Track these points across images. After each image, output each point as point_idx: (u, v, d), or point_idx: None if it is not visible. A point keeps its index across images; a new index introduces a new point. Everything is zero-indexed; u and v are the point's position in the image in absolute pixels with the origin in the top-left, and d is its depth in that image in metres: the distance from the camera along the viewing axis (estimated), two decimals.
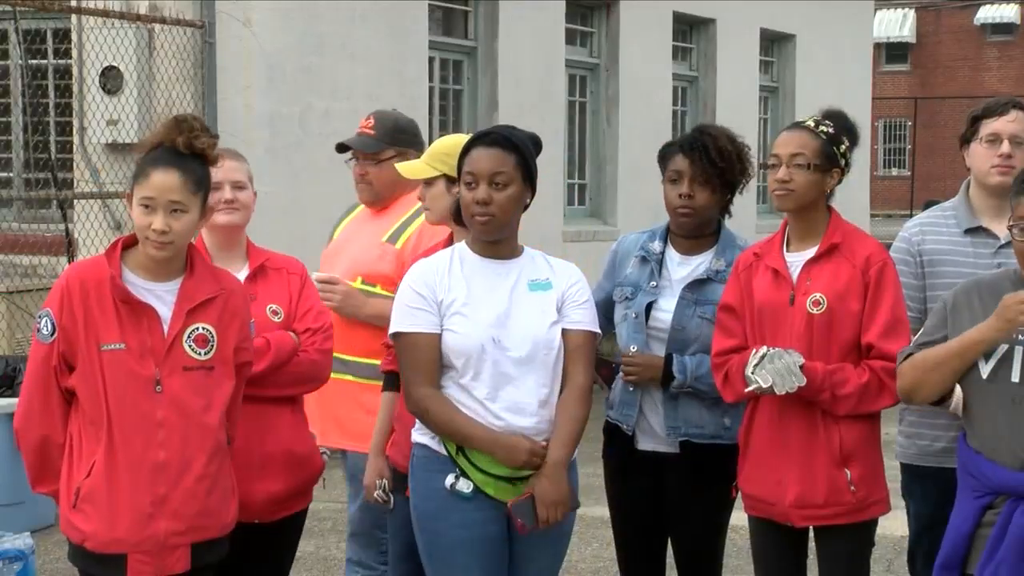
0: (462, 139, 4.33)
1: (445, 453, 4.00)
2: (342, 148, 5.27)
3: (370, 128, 5.19)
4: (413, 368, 4.02)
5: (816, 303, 4.24)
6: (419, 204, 4.89)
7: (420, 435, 4.09)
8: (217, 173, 4.38)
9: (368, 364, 4.90)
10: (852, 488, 4.23)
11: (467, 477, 3.97)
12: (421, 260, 4.21)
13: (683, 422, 4.54)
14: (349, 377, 4.99)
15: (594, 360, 4.15)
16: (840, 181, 4.38)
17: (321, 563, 7.14)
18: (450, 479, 3.98)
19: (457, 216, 4.24)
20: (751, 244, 4.66)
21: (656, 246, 4.64)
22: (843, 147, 4.34)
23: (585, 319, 4.11)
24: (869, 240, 4.36)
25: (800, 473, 4.26)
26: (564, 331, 4.06)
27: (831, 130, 4.33)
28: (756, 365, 4.19)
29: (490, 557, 4.00)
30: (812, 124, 4.36)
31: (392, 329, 4.07)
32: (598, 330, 4.17)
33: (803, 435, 4.26)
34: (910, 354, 4.00)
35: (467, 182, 4.03)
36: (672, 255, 4.64)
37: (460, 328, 3.99)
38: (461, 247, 4.14)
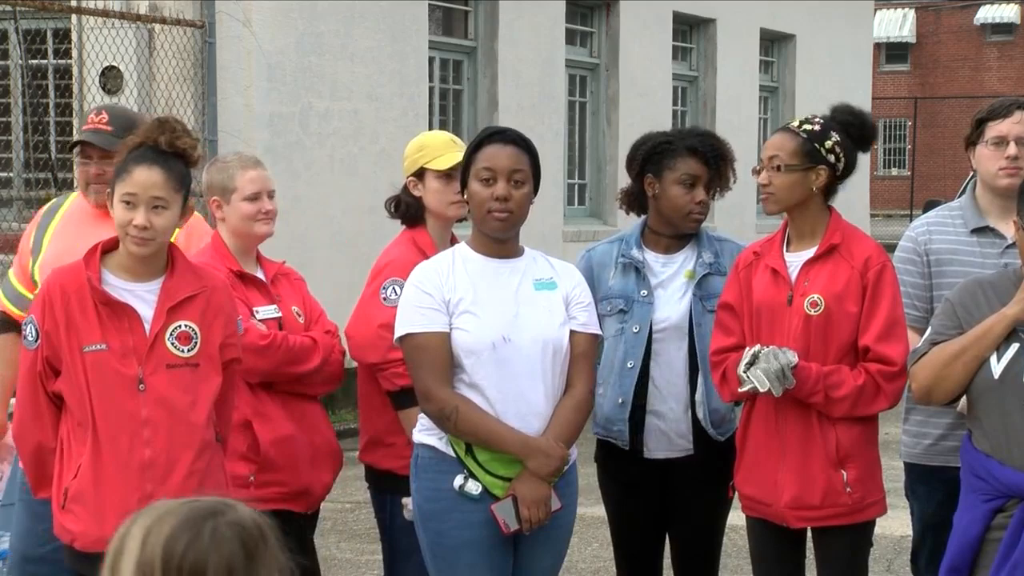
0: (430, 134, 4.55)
1: (453, 454, 3.98)
2: (77, 144, 4.77)
3: (106, 124, 4.73)
4: (431, 369, 3.96)
5: (814, 304, 4.22)
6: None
7: (426, 436, 4.06)
8: (256, 183, 4.48)
9: None
10: (848, 489, 4.21)
11: (475, 479, 3.96)
12: (423, 262, 4.18)
13: (711, 424, 4.53)
14: None
15: (595, 364, 4.14)
16: (835, 177, 4.30)
17: (321, 563, 7.13)
18: (459, 480, 3.96)
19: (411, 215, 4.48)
20: (731, 240, 4.69)
21: (636, 253, 4.59)
22: (829, 142, 4.26)
23: (590, 322, 4.11)
24: (868, 241, 4.34)
25: (796, 474, 4.25)
26: (571, 333, 4.05)
27: (816, 127, 4.28)
28: (748, 364, 4.18)
29: (495, 557, 3.99)
30: (796, 124, 4.33)
31: (402, 331, 4.02)
32: (600, 332, 4.17)
33: (799, 436, 4.25)
34: (923, 354, 3.96)
35: (484, 178, 3.98)
36: (654, 257, 4.61)
37: (470, 326, 3.96)
38: (462, 248, 4.11)
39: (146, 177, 3.77)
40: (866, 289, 4.21)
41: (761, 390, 4.14)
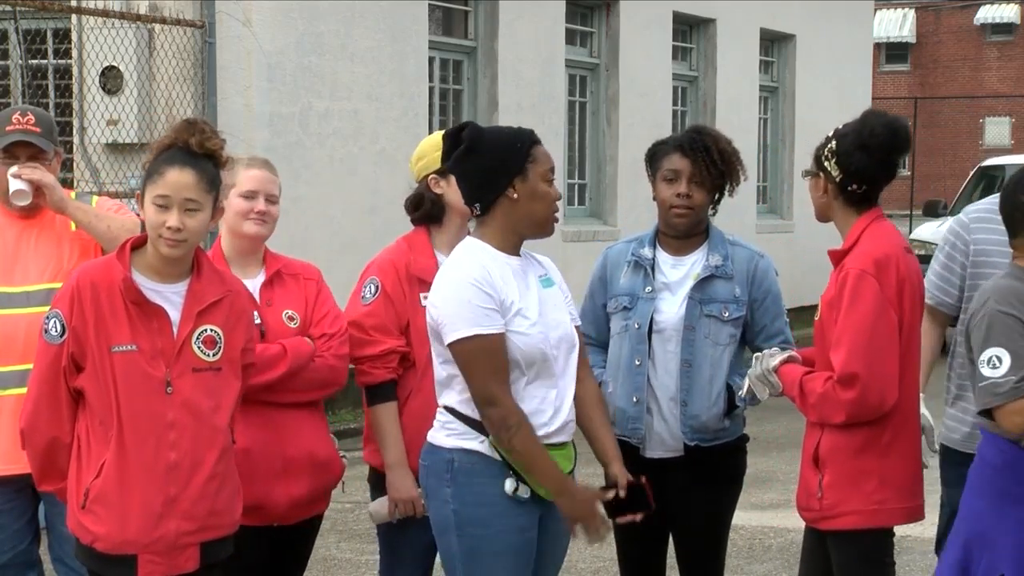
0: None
1: (499, 458, 3.95)
2: (16, 147, 4.71)
3: (34, 125, 4.70)
4: (498, 373, 3.89)
5: (818, 309, 4.29)
6: (74, 194, 4.81)
7: (465, 440, 3.99)
8: (254, 182, 4.43)
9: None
10: (819, 494, 4.24)
11: (524, 482, 3.95)
12: (472, 260, 3.99)
13: (688, 428, 4.54)
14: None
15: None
16: (838, 184, 4.26)
17: (321, 563, 7.15)
18: (510, 485, 3.94)
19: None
20: (748, 247, 4.69)
21: (647, 252, 4.61)
22: (827, 149, 4.27)
23: (576, 315, 4.19)
24: (865, 247, 4.22)
25: (801, 470, 4.35)
26: None
27: (829, 134, 4.31)
28: (750, 368, 4.33)
29: (530, 560, 4.03)
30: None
31: (468, 331, 3.89)
32: (579, 322, 4.23)
33: (805, 434, 4.34)
34: (1014, 388, 3.81)
35: (550, 180, 4.00)
36: (664, 258, 4.62)
37: (525, 329, 3.95)
38: (484, 245, 4.01)
39: (178, 179, 3.76)
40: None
41: (745, 394, 4.32)
